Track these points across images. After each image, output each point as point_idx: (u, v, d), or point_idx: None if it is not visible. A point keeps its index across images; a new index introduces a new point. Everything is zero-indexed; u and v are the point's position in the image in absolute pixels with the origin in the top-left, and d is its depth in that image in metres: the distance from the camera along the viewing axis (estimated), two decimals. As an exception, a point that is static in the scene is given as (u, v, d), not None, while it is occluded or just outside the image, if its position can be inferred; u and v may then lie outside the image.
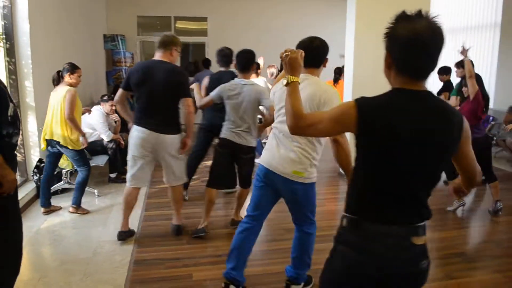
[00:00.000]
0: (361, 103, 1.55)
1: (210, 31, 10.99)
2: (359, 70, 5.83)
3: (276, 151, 2.74)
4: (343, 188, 5.29)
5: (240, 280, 2.98)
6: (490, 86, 8.31)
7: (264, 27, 10.81)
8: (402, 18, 1.50)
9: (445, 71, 6.48)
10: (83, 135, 4.59)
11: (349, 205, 1.66)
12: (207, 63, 8.18)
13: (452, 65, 6.06)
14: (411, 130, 1.51)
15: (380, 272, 1.58)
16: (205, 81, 4.79)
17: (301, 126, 1.66)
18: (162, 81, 3.66)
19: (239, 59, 3.95)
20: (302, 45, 2.65)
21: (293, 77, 1.78)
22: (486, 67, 8.58)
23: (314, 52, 2.65)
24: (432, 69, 1.54)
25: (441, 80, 6.57)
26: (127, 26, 10.39)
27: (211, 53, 8.76)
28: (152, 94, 3.69)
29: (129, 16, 10.49)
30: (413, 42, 1.47)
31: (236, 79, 3.93)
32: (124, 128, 5.64)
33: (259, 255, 3.66)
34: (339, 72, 6.95)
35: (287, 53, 1.88)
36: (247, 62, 3.95)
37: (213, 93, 3.94)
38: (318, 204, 3.00)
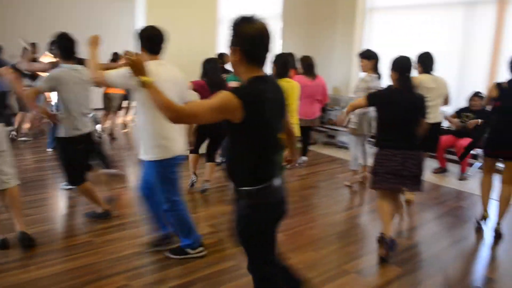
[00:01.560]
0: (241, 93, 1.90)
1: None
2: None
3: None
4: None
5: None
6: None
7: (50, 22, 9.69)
8: (244, 20, 1.94)
9: None
10: None
11: (247, 180, 2.04)
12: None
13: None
14: (274, 106, 2.02)
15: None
16: None
17: (181, 117, 1.94)
18: None
19: None
20: (145, 33, 3.12)
21: (144, 77, 2.04)
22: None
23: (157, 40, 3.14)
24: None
25: None
26: None
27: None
28: None
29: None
30: (259, 38, 1.93)
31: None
32: None
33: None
34: None
35: (129, 57, 2.09)
36: None
37: None
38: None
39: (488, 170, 4.26)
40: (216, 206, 4.68)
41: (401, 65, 3.55)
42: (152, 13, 5.75)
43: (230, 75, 6.29)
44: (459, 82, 6.61)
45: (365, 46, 7.87)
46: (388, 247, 3.45)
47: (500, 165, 4.30)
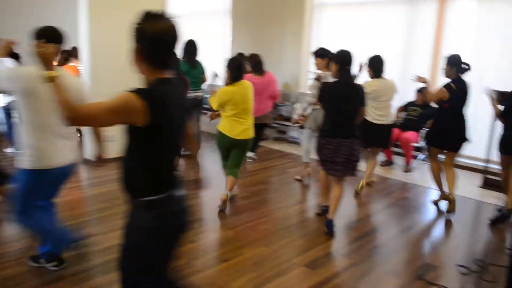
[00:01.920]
0: (146, 95, 1.72)
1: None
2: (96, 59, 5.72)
3: None
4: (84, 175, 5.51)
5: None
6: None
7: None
8: (149, 17, 1.77)
9: None
10: None
11: (148, 189, 1.87)
12: None
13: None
14: (178, 111, 1.89)
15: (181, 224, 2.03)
16: None
17: (78, 117, 1.73)
18: None
19: None
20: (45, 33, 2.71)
21: (50, 72, 1.82)
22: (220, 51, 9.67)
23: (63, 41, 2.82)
24: (172, 61, 1.87)
25: None
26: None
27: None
28: None
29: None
30: (160, 40, 1.77)
31: None
32: None
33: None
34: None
35: (40, 49, 1.91)
36: None
37: None
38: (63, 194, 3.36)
39: (434, 158, 4.66)
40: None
41: (341, 59, 3.79)
42: (95, 13, 5.57)
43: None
44: (403, 77, 6.82)
45: (314, 42, 8.00)
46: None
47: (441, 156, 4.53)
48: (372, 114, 5.01)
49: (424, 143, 4.77)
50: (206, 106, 6.15)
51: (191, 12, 10.68)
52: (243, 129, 4.35)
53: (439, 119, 4.53)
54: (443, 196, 4.70)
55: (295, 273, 3.26)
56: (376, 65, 4.95)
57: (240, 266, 3.35)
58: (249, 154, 6.35)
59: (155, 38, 1.75)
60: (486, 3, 6.02)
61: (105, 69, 5.51)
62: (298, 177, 5.61)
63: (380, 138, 5.24)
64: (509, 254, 2.49)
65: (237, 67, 4.35)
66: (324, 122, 3.97)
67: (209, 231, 4.03)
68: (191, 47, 6.17)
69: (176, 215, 1.97)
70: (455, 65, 4.29)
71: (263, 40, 8.44)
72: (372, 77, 4.99)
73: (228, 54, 9.47)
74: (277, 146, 7.34)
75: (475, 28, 6.15)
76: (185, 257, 3.40)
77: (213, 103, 4.36)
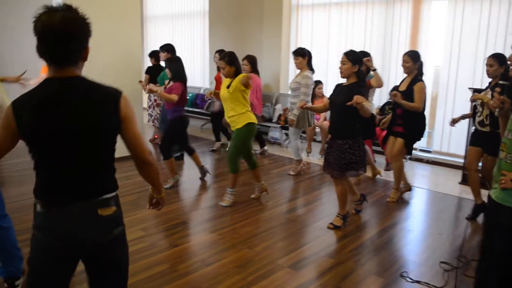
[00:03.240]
0: (15, 103, 1.62)
1: None
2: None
3: None
4: None
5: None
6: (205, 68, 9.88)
7: None
8: (43, 10, 1.59)
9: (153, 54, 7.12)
10: None
11: (35, 196, 1.72)
12: None
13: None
14: (59, 118, 1.62)
15: (71, 245, 1.71)
16: None
17: None
18: None
19: None
20: None
21: None
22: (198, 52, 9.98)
23: None
24: (73, 57, 1.65)
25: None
26: None
27: None
28: None
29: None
30: (43, 34, 1.58)
31: None
32: None
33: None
34: None
35: None
36: None
37: None
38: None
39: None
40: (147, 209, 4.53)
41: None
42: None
43: (162, 73, 6.21)
44: (381, 76, 6.87)
45: (293, 43, 8.02)
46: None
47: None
48: None
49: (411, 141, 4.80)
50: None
51: (168, 13, 10.64)
52: None
53: (422, 116, 4.65)
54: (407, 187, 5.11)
55: (280, 275, 3.24)
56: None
57: (224, 269, 3.32)
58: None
59: (38, 32, 1.58)
60: (459, 4, 6.11)
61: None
62: (292, 173, 5.85)
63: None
64: (479, 247, 2.52)
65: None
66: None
67: (192, 235, 3.99)
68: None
69: (45, 232, 1.70)
70: None
71: (241, 41, 8.43)
72: None
73: (206, 55, 9.45)
74: (258, 147, 7.33)
75: (448, 28, 6.25)
76: (168, 261, 3.36)
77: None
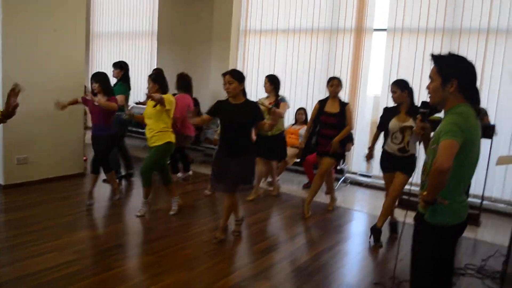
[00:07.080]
0: None
1: None
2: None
3: None
4: None
5: None
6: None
7: None
8: None
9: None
10: None
11: None
12: None
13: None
14: None
15: None
16: None
17: None
18: None
19: None
20: None
21: None
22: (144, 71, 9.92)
23: None
24: None
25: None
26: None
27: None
28: None
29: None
30: None
31: None
32: None
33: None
34: None
35: None
36: None
37: None
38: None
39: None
40: (83, 230, 4.39)
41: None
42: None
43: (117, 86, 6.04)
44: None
45: (240, 67, 8.13)
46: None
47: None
48: None
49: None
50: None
51: (116, 32, 10.51)
52: None
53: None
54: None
55: (216, 298, 3.22)
56: (278, 83, 5.67)
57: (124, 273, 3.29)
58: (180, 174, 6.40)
59: None
60: (397, 36, 6.51)
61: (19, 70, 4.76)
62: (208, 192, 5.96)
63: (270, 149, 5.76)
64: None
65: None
66: None
67: (129, 258, 3.89)
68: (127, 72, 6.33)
69: None
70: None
71: (189, 63, 8.43)
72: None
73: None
74: (203, 170, 7.30)
75: (387, 58, 6.64)
76: (102, 285, 3.26)
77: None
